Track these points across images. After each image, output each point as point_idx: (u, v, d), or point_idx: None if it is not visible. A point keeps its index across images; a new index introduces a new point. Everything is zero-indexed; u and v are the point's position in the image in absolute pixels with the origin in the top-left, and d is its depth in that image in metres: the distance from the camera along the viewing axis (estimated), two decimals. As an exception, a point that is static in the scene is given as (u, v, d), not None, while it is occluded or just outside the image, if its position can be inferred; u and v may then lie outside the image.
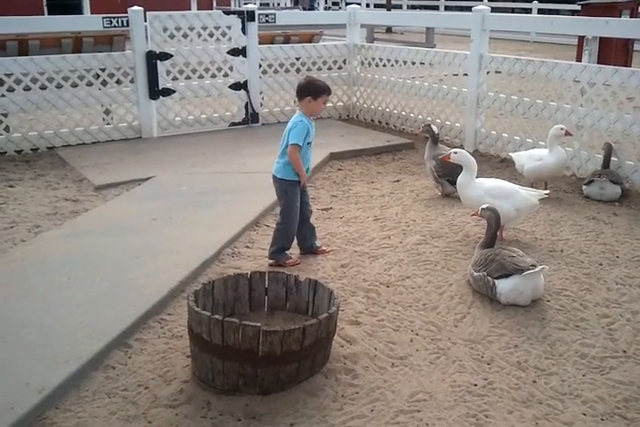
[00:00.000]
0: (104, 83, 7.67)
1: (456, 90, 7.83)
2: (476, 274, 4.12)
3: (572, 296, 4.14)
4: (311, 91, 4.43)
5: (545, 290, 4.12)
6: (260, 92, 8.72)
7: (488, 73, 7.48)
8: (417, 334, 3.70)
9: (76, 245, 4.74)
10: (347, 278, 4.38)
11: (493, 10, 7.82)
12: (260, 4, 28.14)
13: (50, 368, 3.20)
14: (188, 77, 8.20)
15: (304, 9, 25.75)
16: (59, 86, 7.43)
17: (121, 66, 7.72)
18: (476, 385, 3.24)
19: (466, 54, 7.64)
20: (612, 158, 6.19)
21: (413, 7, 29.17)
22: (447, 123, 8.05)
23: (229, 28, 8.28)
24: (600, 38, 11.35)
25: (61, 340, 3.45)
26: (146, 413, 3.01)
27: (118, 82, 7.75)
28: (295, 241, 4.70)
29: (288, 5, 30.96)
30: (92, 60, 7.55)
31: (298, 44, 9.18)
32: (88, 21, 8.64)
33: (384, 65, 8.86)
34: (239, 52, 8.38)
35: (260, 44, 8.59)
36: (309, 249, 4.76)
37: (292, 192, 4.53)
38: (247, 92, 8.54)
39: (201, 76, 8.28)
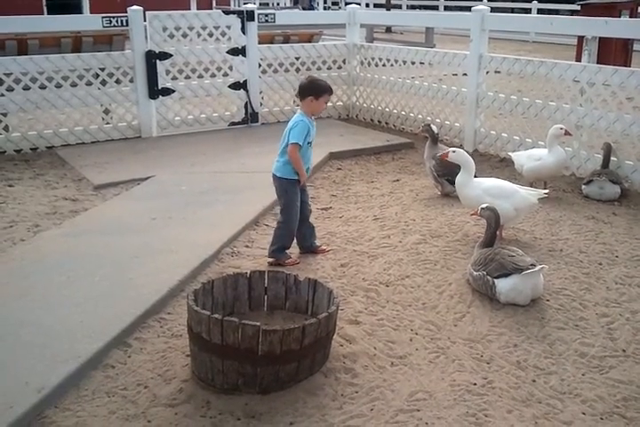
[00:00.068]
0: (103, 82, 7.67)
1: (455, 90, 7.83)
2: (475, 273, 4.12)
3: (571, 296, 4.14)
4: (313, 90, 4.43)
5: (544, 289, 4.12)
6: (260, 92, 8.72)
7: (487, 73, 7.48)
8: (416, 334, 3.70)
9: (75, 244, 4.74)
10: (346, 278, 4.38)
11: (493, 10, 7.82)
12: (260, 4, 28.14)
13: (49, 367, 3.19)
14: (187, 77, 8.20)
15: (303, 9, 25.74)
16: (58, 86, 7.43)
17: (120, 65, 7.72)
18: (475, 384, 3.24)
19: (465, 54, 7.64)
20: (612, 158, 6.19)
21: (413, 7, 29.18)
22: (447, 122, 8.05)
23: (229, 27, 8.28)
24: (599, 38, 11.35)
25: (61, 339, 3.45)
26: (145, 412, 3.01)
27: (118, 81, 7.75)
28: (295, 240, 4.70)
29: (287, 5, 30.95)
30: (91, 59, 7.55)
31: (297, 44, 9.19)
32: (87, 21, 8.64)
33: (384, 65, 8.87)
34: (239, 51, 8.38)
35: (259, 43, 8.59)
36: (309, 248, 4.76)
37: (291, 191, 4.53)
38: (247, 91, 8.54)
39: (200, 76, 8.28)
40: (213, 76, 8.38)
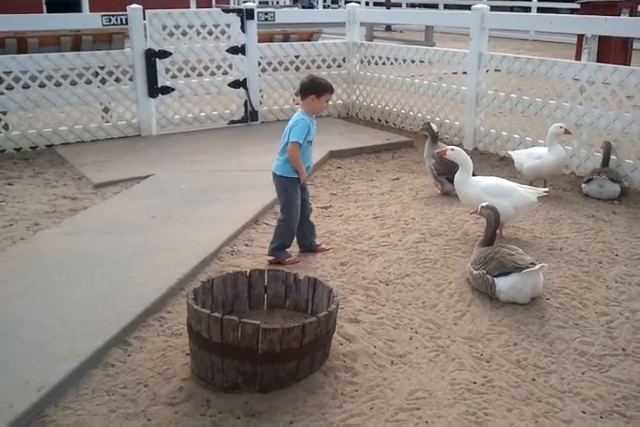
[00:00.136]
0: (103, 81, 7.66)
1: (455, 88, 7.83)
2: (475, 272, 4.12)
3: (571, 294, 4.14)
4: (314, 89, 4.42)
5: (544, 288, 4.12)
6: (260, 91, 8.72)
7: (487, 71, 7.47)
8: (416, 332, 3.70)
9: (74, 243, 4.74)
10: (346, 276, 4.38)
11: (492, 8, 7.83)
12: (259, 3, 28.10)
13: (49, 366, 3.19)
14: (187, 75, 8.19)
15: (303, 7, 25.69)
16: (58, 84, 7.42)
17: (120, 64, 7.71)
18: (475, 383, 3.24)
19: (465, 53, 7.63)
20: (612, 157, 6.19)
21: (413, 5, 29.13)
22: (446, 121, 8.05)
23: (228, 26, 8.27)
24: (599, 37, 11.33)
25: (60, 338, 3.45)
26: (145, 410, 3.01)
27: (117, 80, 7.74)
28: (295, 239, 4.70)
29: (287, 3, 30.91)
30: (90, 58, 7.54)
31: (297, 43, 9.16)
32: (87, 19, 8.62)
33: (383, 63, 8.86)
34: (238, 50, 8.37)
35: (259, 42, 8.58)
36: (309, 247, 4.76)
37: (291, 189, 4.53)
38: (246, 90, 8.53)
39: (200, 74, 8.27)
40: (213, 74, 8.36)
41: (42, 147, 7.43)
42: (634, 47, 13.03)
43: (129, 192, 5.99)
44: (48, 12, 20.02)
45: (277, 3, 31.15)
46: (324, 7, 30.07)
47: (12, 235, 5.00)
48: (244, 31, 8.34)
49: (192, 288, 3.45)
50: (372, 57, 8.98)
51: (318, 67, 9.07)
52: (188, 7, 21.91)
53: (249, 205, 5.53)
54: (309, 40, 9.72)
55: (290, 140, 4.39)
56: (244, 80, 8.49)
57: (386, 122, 8.95)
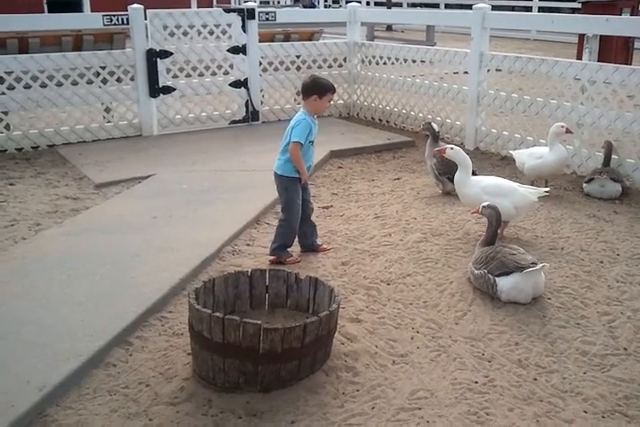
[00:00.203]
0: (104, 81, 7.66)
1: (456, 88, 7.82)
2: (476, 272, 4.12)
3: (572, 294, 4.14)
4: (317, 89, 4.42)
5: (545, 288, 4.12)
6: (261, 90, 8.72)
7: (488, 71, 7.47)
8: (418, 332, 3.70)
9: (76, 243, 4.74)
10: (347, 276, 4.38)
11: (494, 8, 7.81)
12: (260, 2, 28.10)
13: (50, 366, 3.20)
14: (188, 75, 8.19)
15: (304, 7, 25.69)
16: (59, 84, 7.42)
17: (121, 64, 7.71)
18: (476, 383, 3.24)
19: (466, 52, 7.63)
20: (613, 156, 6.18)
21: (414, 5, 29.12)
22: (448, 121, 8.05)
23: (229, 25, 8.27)
24: (600, 36, 11.32)
25: (62, 338, 3.45)
26: (147, 410, 3.01)
27: (118, 80, 7.74)
28: (296, 239, 4.70)
29: (288, 3, 30.91)
30: (92, 58, 7.54)
31: (298, 42, 9.16)
32: (88, 19, 8.62)
33: (384, 63, 8.86)
34: (239, 49, 8.37)
35: (260, 41, 8.58)
36: (310, 247, 4.76)
37: (292, 189, 4.53)
38: (247, 89, 8.53)
39: (201, 74, 8.27)
40: (214, 74, 8.37)
41: (43, 147, 7.43)
42: (635, 47, 13.02)
43: (130, 192, 5.99)
44: (49, 12, 20.01)
45: (278, 2, 31.15)
46: (325, 7, 30.06)
47: (14, 235, 5.00)
48: (245, 31, 8.34)
49: (193, 288, 3.45)
50: (373, 57, 8.98)
51: (319, 66, 9.07)
52: (189, 7, 21.88)
53: (250, 205, 5.53)
54: (310, 40, 9.71)
55: (291, 140, 4.39)
56: (246, 80, 8.49)
57: (387, 122, 8.95)
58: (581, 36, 13.04)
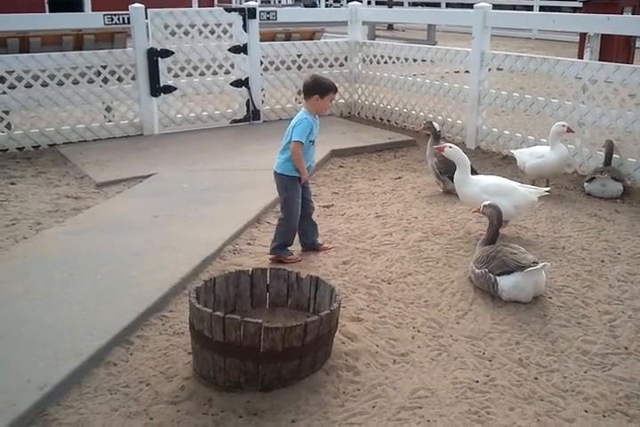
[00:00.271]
0: (105, 80, 7.66)
1: (457, 87, 7.82)
2: (477, 271, 4.12)
3: (573, 293, 4.14)
4: (318, 89, 4.42)
5: (546, 287, 4.11)
6: (262, 90, 8.72)
7: (490, 70, 7.46)
8: (418, 331, 3.70)
9: (77, 242, 4.74)
10: (348, 275, 4.38)
11: (495, 7, 7.80)
12: (261, 2, 28.09)
13: (51, 365, 3.20)
14: (189, 75, 8.19)
15: (305, 6, 25.67)
16: (60, 83, 7.42)
17: (122, 63, 7.71)
18: (477, 382, 3.24)
19: (467, 51, 7.62)
20: (614, 155, 6.17)
21: (415, 4, 29.10)
22: (449, 120, 8.04)
23: (230, 25, 8.27)
24: (602, 35, 11.31)
25: (62, 337, 3.45)
26: (147, 409, 3.01)
27: (119, 79, 7.74)
28: (297, 238, 4.70)
29: (289, 2, 30.89)
30: (93, 57, 7.54)
31: (299, 42, 9.15)
32: (89, 19, 8.62)
33: (385, 62, 8.86)
34: (240, 49, 8.37)
35: (261, 41, 8.57)
36: (311, 246, 4.76)
37: (291, 188, 4.53)
38: (248, 89, 8.53)
39: (202, 74, 8.27)
40: (215, 73, 8.37)
41: (44, 146, 7.44)
42: (636, 46, 13.01)
43: (131, 191, 5.99)
44: (50, 11, 20.03)
45: (279, 2, 31.14)
46: (327, 6, 30.03)
47: (15, 234, 5.01)
48: (246, 30, 8.33)
49: (194, 287, 3.45)
50: (375, 56, 8.97)
51: (320, 66, 9.06)
52: (190, 6, 21.92)
53: (251, 204, 5.53)
54: (311, 39, 9.70)
55: (292, 139, 4.39)
56: (247, 79, 8.49)
57: (388, 121, 8.94)
58: (583, 35, 13.02)
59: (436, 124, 6.15)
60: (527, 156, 6.10)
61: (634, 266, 4.54)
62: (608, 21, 6.48)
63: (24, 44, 7.96)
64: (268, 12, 8.63)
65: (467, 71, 7.70)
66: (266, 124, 8.62)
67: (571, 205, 5.79)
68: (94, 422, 2.92)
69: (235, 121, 8.61)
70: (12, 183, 6.22)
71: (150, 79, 7.87)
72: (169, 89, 8.02)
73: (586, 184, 6.07)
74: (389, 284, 4.26)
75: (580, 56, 12.52)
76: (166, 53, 7.90)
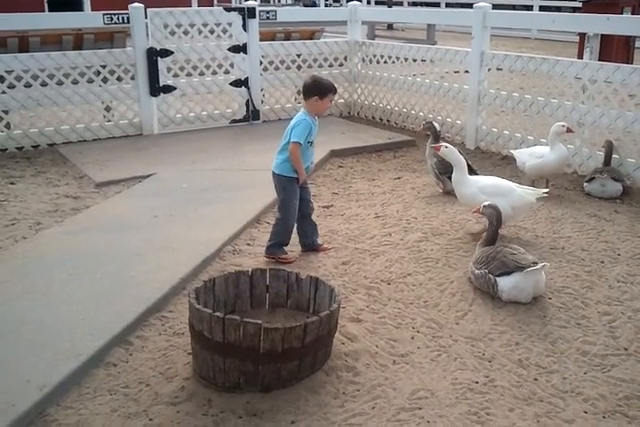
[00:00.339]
0: (105, 80, 7.65)
1: (457, 87, 7.82)
2: (477, 271, 4.12)
3: (573, 294, 4.14)
4: (318, 90, 4.41)
5: (546, 288, 4.11)
6: (261, 89, 8.71)
7: (489, 70, 7.46)
8: (418, 332, 3.70)
9: (76, 242, 4.74)
10: (348, 276, 4.38)
11: (494, 7, 7.80)
12: (261, 1, 28.05)
13: (51, 365, 3.20)
14: (188, 74, 8.18)
15: (305, 6, 25.65)
16: (59, 83, 7.41)
17: (122, 63, 7.71)
18: (477, 383, 3.23)
19: (467, 51, 7.62)
20: (614, 156, 6.17)
21: (414, 4, 29.09)
22: (448, 120, 8.04)
23: (230, 24, 8.26)
24: (601, 35, 11.31)
25: (62, 337, 3.45)
26: (147, 410, 3.01)
27: (119, 79, 7.74)
28: (297, 238, 4.70)
29: (289, 2, 30.87)
30: (92, 56, 7.54)
31: (299, 41, 9.14)
32: (88, 18, 8.62)
33: (385, 62, 8.85)
34: (240, 48, 8.37)
35: (260, 40, 8.56)
36: (311, 246, 4.76)
37: (289, 188, 4.53)
38: (248, 89, 8.52)
39: (202, 73, 8.26)
40: (215, 73, 8.36)
41: (44, 146, 7.43)
42: (636, 46, 13.01)
43: (130, 191, 5.99)
44: (50, 10, 19.99)
45: (279, 1, 31.13)
46: (326, 6, 30.01)
47: (14, 234, 5.00)
48: (245, 30, 8.33)
49: (194, 287, 3.45)
50: (374, 56, 8.97)
51: (320, 66, 9.05)
52: (190, 6, 21.89)
53: (250, 205, 5.53)
54: (311, 39, 9.70)
55: (291, 140, 4.39)
56: (246, 79, 8.48)
57: (387, 121, 8.94)
58: (582, 35, 13.02)
59: (435, 125, 6.15)
60: (527, 156, 6.10)
61: (633, 267, 4.54)
62: (608, 21, 6.48)
63: (23, 43, 7.96)
64: (268, 12, 8.62)
65: (466, 71, 7.70)
66: (265, 124, 8.61)
67: (570, 205, 5.79)
68: (94, 423, 2.92)
69: (234, 121, 8.60)
70: (12, 183, 6.22)
71: (150, 79, 7.86)
72: (168, 89, 8.02)
73: (585, 184, 6.07)
74: (389, 284, 4.26)
75: (580, 56, 12.51)
76: (166, 53, 7.89)
